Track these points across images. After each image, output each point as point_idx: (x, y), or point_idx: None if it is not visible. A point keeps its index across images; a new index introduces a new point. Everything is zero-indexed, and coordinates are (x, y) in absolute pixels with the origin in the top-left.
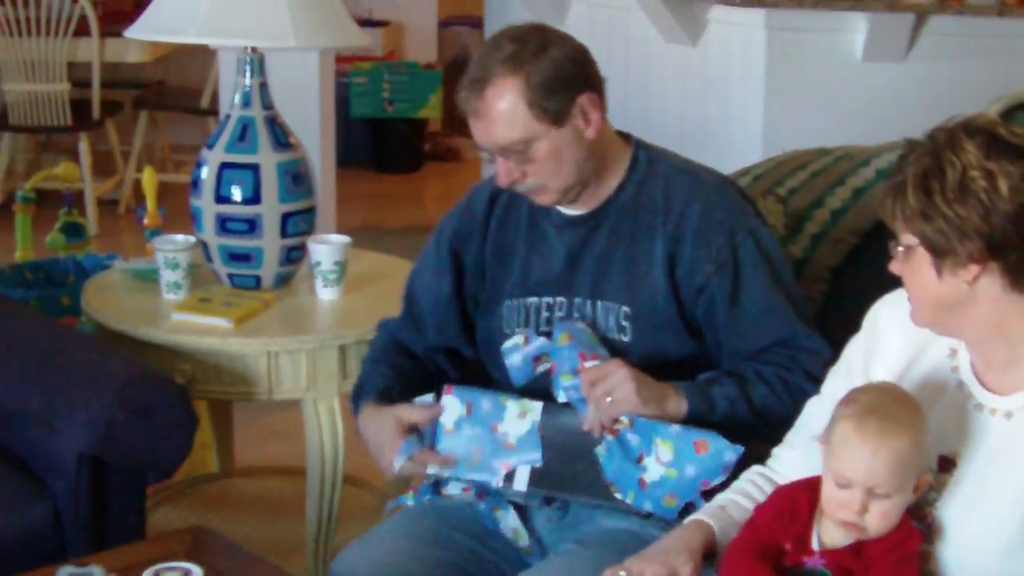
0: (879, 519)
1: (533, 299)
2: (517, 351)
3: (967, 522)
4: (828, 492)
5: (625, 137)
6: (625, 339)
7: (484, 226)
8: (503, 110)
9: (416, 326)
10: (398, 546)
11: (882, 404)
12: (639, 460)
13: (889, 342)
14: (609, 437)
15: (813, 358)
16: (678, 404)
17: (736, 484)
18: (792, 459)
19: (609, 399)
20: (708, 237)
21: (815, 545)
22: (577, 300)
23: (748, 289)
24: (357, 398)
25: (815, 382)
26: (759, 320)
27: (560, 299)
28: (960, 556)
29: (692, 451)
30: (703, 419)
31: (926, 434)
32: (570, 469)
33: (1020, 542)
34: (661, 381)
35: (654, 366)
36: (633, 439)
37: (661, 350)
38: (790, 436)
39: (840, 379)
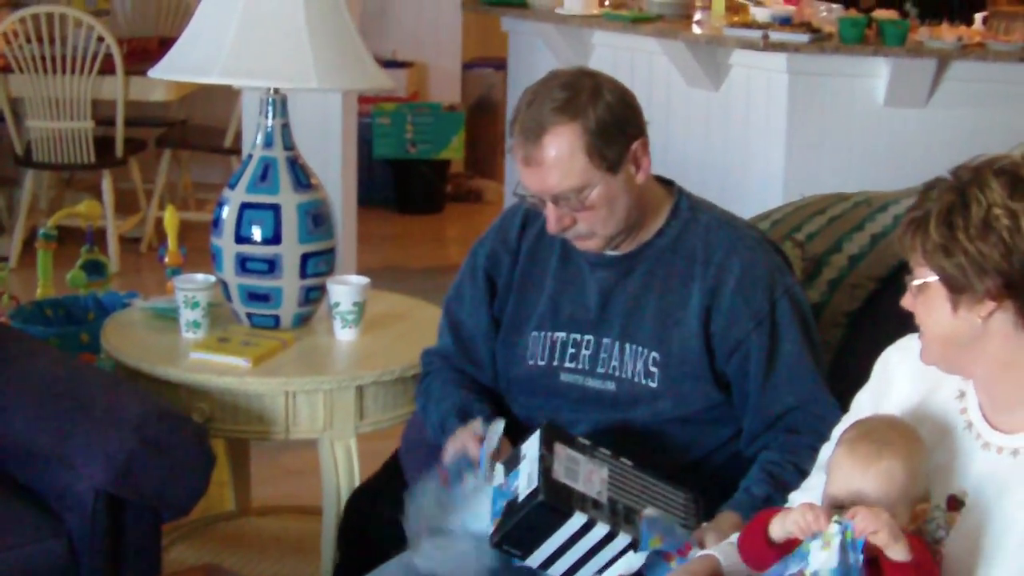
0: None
1: (561, 334)
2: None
3: (976, 560)
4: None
5: (666, 183)
6: (652, 385)
7: (516, 251)
8: (561, 158)
9: (467, 354)
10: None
11: (877, 430)
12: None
13: (898, 385)
14: None
15: (834, 427)
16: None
17: None
18: (813, 487)
19: None
20: (748, 292)
21: None
22: (606, 340)
23: (783, 349)
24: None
25: None
26: (790, 380)
27: (588, 337)
28: None
29: None
30: None
31: (922, 462)
32: None
33: None
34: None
35: (678, 414)
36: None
37: (687, 398)
38: (805, 482)
39: (863, 409)
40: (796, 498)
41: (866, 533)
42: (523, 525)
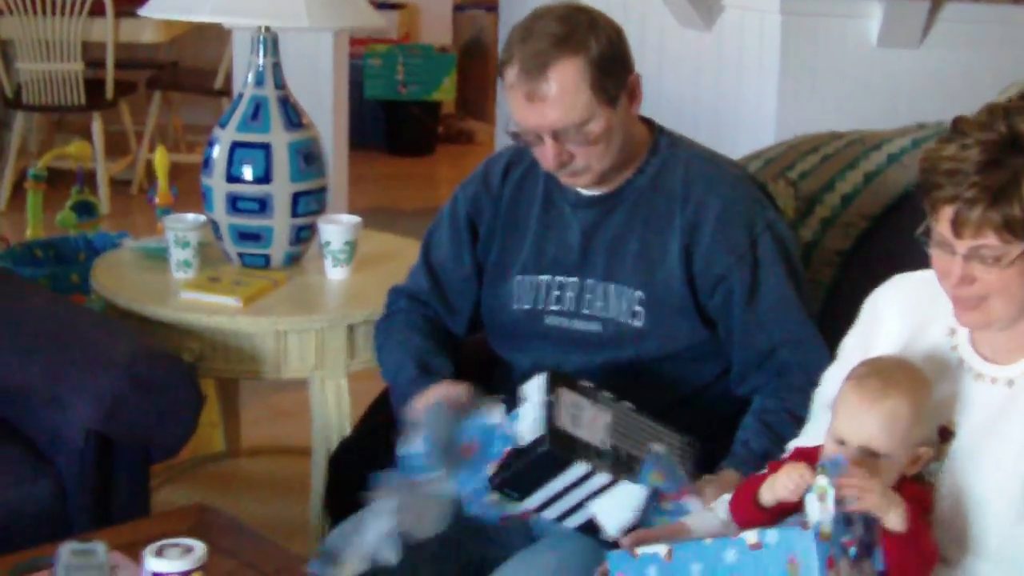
0: None
1: (545, 277)
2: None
3: (966, 489)
4: (825, 451)
5: (646, 122)
6: (638, 324)
7: (499, 196)
8: (566, 92)
9: (443, 297)
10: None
11: (885, 369)
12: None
13: (887, 324)
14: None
15: (823, 369)
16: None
17: None
18: (812, 432)
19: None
20: (728, 229)
21: None
22: (590, 281)
23: (766, 284)
24: (412, 378)
25: None
26: (775, 316)
27: (573, 279)
28: (958, 523)
29: None
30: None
31: (928, 404)
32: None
33: (1018, 508)
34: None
35: (664, 352)
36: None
37: (673, 337)
38: (806, 427)
39: (848, 360)
40: (793, 446)
41: (848, 494)
42: (525, 471)
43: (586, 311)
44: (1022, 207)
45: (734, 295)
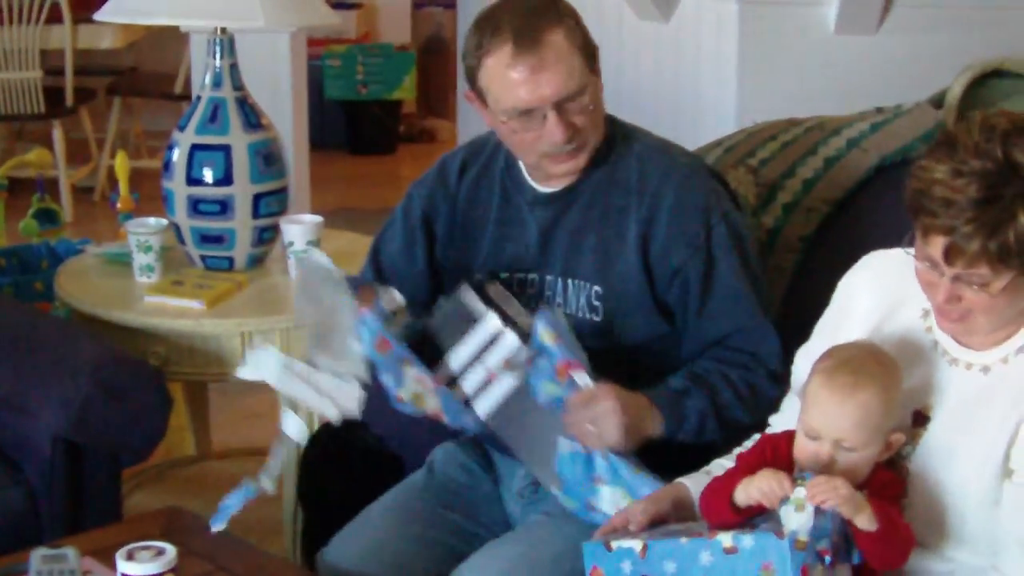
0: (845, 473)
1: (505, 275)
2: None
3: (941, 475)
4: (799, 444)
5: None
6: (596, 319)
7: (455, 196)
8: (563, 57)
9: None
10: (388, 528)
11: (855, 359)
12: (596, 482)
13: (861, 304)
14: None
15: (772, 355)
16: (654, 428)
17: (733, 451)
18: (782, 425)
19: (592, 428)
20: (682, 220)
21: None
22: (549, 278)
23: (719, 275)
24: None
25: (775, 381)
26: (725, 306)
27: (532, 276)
28: (934, 509)
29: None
30: (671, 435)
31: (899, 391)
32: (529, 434)
33: (993, 494)
34: (637, 390)
35: (624, 346)
36: (600, 463)
37: (631, 331)
38: (783, 402)
39: (821, 338)
40: (775, 420)
41: (819, 503)
42: (449, 316)
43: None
44: (1017, 237)
45: (690, 286)
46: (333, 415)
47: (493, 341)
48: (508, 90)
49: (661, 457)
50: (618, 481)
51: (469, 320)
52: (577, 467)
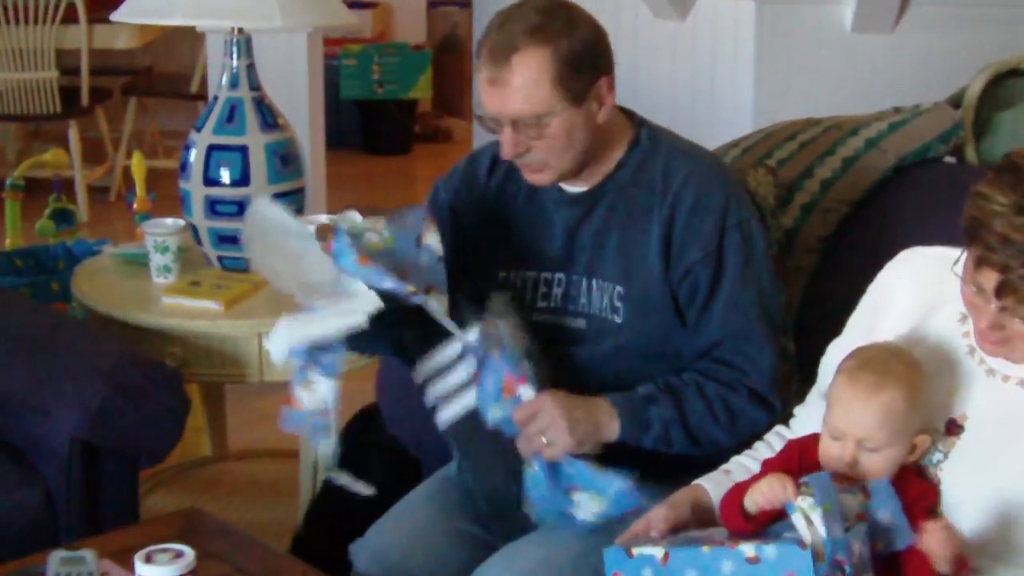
0: (869, 473)
1: (531, 273)
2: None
3: (973, 486)
4: (823, 444)
5: (628, 114)
6: (617, 319)
7: (484, 191)
8: (527, 82)
9: None
10: (430, 520)
11: (878, 358)
12: (569, 492)
13: (899, 301)
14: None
15: (761, 374)
16: (611, 431)
17: (754, 446)
18: (807, 416)
19: (543, 439)
20: (699, 222)
21: None
22: (575, 278)
23: (724, 282)
24: None
25: (759, 402)
26: (724, 314)
27: (559, 275)
28: (963, 519)
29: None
30: (634, 440)
31: (923, 393)
32: (487, 454)
33: None
34: (594, 397)
35: (642, 347)
36: (566, 471)
37: (650, 332)
38: (809, 395)
39: (854, 334)
40: (797, 412)
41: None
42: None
43: (572, 307)
44: None
45: (698, 289)
46: (362, 319)
47: (458, 359)
48: (480, 90)
49: (662, 465)
50: (589, 485)
51: (446, 332)
52: (546, 483)
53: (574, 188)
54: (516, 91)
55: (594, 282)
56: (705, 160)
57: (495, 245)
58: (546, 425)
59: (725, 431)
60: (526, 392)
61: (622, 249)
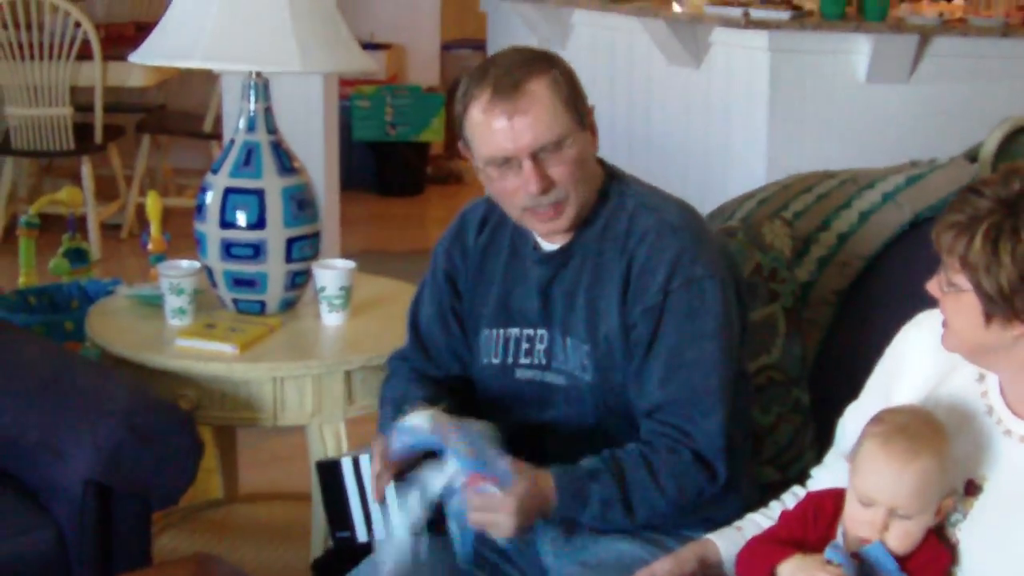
0: (900, 539)
1: (514, 330)
2: (411, 434)
3: (991, 548)
4: (851, 510)
5: (598, 160)
6: (587, 378)
7: (472, 249)
8: (544, 105)
9: (429, 358)
10: (435, 568)
11: (910, 425)
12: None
13: (916, 364)
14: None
15: (707, 438)
16: (552, 506)
17: (769, 504)
18: (825, 477)
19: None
20: (647, 277)
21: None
22: (555, 334)
23: (663, 341)
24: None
25: (703, 466)
26: (664, 375)
27: (542, 331)
28: None
29: None
30: (572, 515)
31: (950, 458)
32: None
33: None
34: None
35: (614, 406)
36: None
37: (616, 390)
38: (827, 456)
39: (872, 397)
40: (815, 473)
41: None
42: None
43: (554, 364)
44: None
45: (639, 345)
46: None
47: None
48: (486, 136)
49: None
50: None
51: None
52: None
53: (548, 246)
54: (536, 117)
55: (568, 340)
56: (667, 216)
57: (478, 302)
58: (496, 523)
59: (671, 503)
60: (487, 489)
61: (588, 307)
